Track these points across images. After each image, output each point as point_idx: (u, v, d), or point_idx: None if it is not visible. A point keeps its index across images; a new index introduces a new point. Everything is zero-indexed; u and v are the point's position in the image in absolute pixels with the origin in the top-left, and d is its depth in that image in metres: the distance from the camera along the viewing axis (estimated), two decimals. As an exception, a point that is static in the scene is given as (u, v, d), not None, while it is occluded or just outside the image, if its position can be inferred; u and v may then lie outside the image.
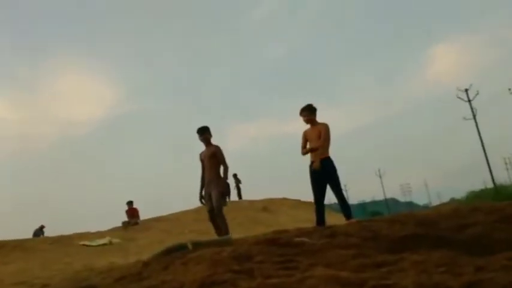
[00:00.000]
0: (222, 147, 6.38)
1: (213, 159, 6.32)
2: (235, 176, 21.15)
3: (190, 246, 3.66)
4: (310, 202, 7.17)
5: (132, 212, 14.53)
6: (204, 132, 6.42)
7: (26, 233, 18.31)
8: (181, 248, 3.70)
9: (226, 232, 6.00)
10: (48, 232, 17.90)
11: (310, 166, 6.03)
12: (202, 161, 6.45)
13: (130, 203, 14.70)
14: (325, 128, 5.95)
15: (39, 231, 18.39)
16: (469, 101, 37.23)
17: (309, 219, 10.80)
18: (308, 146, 6.05)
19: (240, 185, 21.04)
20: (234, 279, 1.99)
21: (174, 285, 2.09)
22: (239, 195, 20.94)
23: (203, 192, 6.38)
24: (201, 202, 6.50)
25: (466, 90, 37.50)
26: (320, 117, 6.16)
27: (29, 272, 6.75)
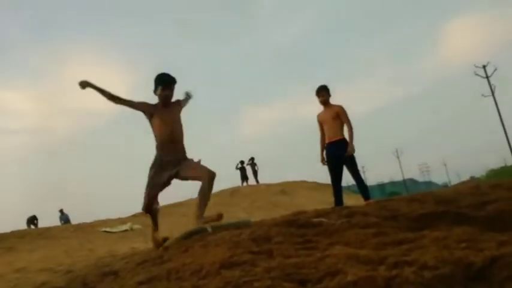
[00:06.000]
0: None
1: None
2: (252, 159, 21.23)
3: (209, 229, 3.69)
4: (328, 184, 7.16)
5: (151, 198, 14.71)
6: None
7: (49, 222, 18.78)
8: (201, 231, 3.74)
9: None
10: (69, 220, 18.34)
11: (327, 148, 6.01)
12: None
13: (149, 190, 14.88)
14: (344, 110, 5.91)
15: (62, 216, 18.86)
16: (487, 77, 36.47)
17: (327, 201, 10.79)
18: (324, 128, 6.02)
19: (257, 169, 21.11)
20: (254, 260, 2.00)
21: (194, 267, 2.11)
22: (256, 179, 21.03)
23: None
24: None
25: (484, 66, 36.71)
26: (336, 99, 6.12)
27: (53, 259, 6.90)
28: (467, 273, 1.40)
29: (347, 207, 4.20)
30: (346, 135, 5.92)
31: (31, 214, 18.86)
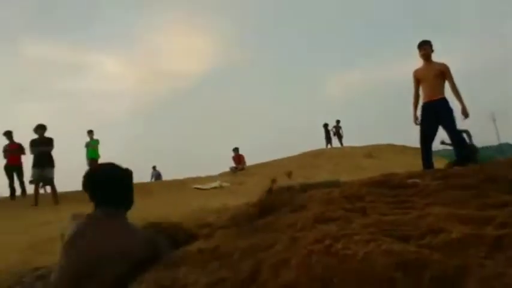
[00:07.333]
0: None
1: None
2: (337, 122, 20.97)
3: (298, 188, 3.75)
4: (417, 148, 6.86)
5: (238, 158, 15.23)
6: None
7: (143, 178, 20.07)
8: (289, 189, 3.81)
9: None
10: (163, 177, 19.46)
11: (425, 107, 5.71)
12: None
13: (236, 150, 15.40)
14: (448, 68, 5.58)
15: (154, 172, 20.06)
16: None
17: (415, 165, 10.41)
18: (423, 85, 5.72)
19: (342, 133, 20.82)
20: (348, 217, 2.01)
21: (288, 221, 2.17)
22: (341, 142, 20.78)
23: None
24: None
25: None
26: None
27: (150, 210, 7.42)
28: None
29: (440, 170, 4.04)
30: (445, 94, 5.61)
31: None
